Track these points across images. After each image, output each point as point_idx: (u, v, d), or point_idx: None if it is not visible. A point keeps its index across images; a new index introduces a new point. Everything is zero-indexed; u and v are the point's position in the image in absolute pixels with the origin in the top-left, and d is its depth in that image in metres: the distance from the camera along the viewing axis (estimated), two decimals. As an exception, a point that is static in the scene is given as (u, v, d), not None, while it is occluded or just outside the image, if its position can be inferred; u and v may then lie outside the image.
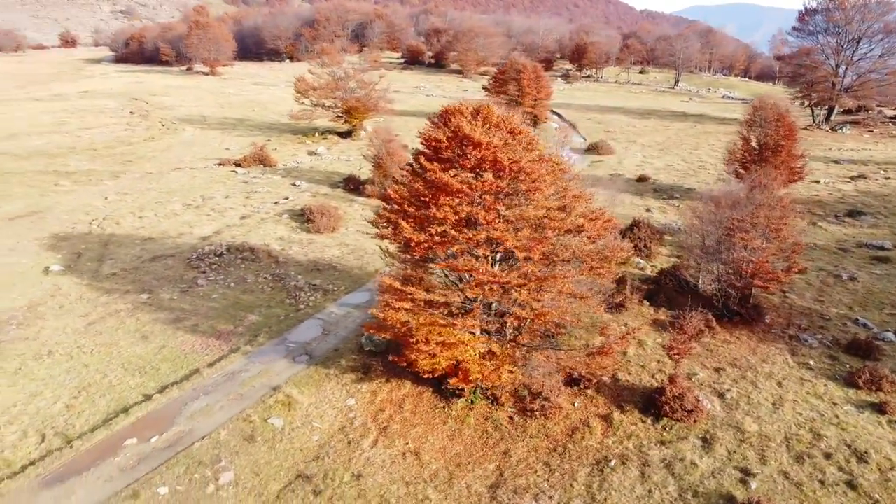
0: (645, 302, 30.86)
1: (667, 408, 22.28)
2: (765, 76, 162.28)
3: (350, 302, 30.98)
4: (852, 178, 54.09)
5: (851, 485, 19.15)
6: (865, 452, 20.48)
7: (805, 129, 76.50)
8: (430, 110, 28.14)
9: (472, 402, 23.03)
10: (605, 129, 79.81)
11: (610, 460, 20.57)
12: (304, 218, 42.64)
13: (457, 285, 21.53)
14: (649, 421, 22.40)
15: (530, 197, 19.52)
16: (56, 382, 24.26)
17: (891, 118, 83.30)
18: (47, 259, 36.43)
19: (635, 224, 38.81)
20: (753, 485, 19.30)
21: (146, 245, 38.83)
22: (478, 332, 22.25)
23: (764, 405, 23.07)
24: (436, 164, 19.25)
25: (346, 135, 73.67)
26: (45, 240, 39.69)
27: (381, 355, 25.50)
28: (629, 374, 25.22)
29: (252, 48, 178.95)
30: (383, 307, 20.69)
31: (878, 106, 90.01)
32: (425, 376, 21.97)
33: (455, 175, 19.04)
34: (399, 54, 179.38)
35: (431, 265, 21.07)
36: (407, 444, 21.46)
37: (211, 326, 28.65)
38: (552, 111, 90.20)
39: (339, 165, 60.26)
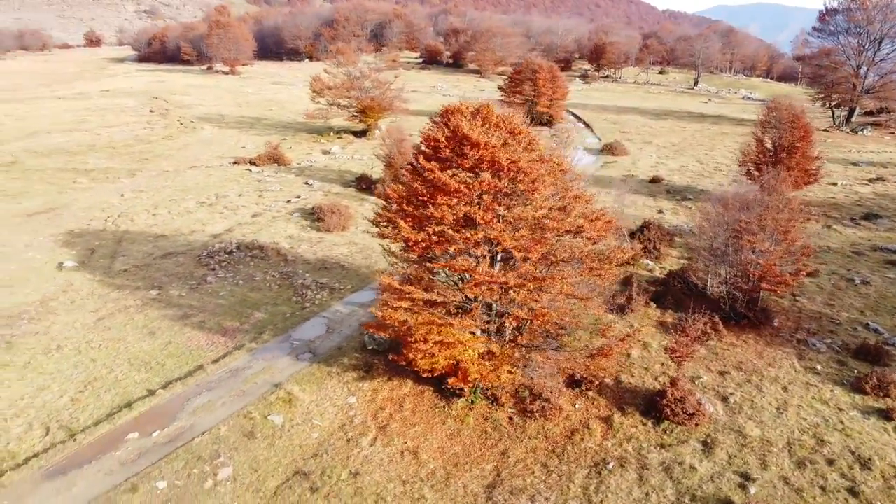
0: (652, 304, 30.64)
1: (668, 411, 22.11)
2: (787, 77, 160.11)
3: (356, 300, 31.12)
4: (870, 180, 53.23)
5: (853, 492, 18.87)
6: (869, 459, 20.17)
7: (825, 130, 75.60)
8: (445, 110, 28.03)
9: (472, 402, 23.03)
10: (621, 129, 79.31)
11: (608, 462, 20.46)
12: (315, 216, 42.90)
13: (457, 285, 21.53)
14: (650, 424, 22.25)
15: (529, 197, 19.47)
16: (63, 376, 24.66)
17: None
18: (62, 255, 37.01)
19: (645, 225, 38.58)
20: (753, 490, 19.09)
21: (158, 242, 39.31)
22: (478, 332, 22.25)
23: (767, 409, 22.80)
24: (435, 163, 19.27)
25: (360, 134, 73.97)
26: (61, 236, 40.33)
27: (384, 354, 25.58)
28: (632, 376, 25.05)
29: (272, 48, 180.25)
30: (382, 306, 20.77)
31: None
32: (424, 375, 21.99)
33: (454, 175, 19.05)
34: (417, 54, 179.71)
35: (429, 265, 21.02)
36: (406, 442, 21.52)
37: (217, 323, 28.94)
38: (568, 111, 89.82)
39: (353, 164, 60.53)
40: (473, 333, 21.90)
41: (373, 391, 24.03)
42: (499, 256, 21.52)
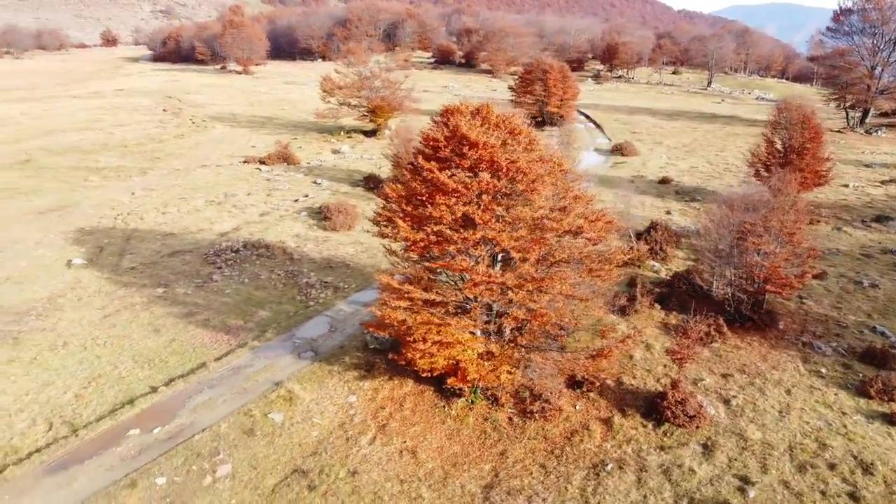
0: (656, 305, 30.48)
1: (668, 413, 21.99)
2: (803, 78, 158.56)
3: (359, 299, 31.20)
4: (883, 182, 52.65)
5: (854, 497, 18.66)
6: (871, 464, 19.95)
7: (838, 132, 74.88)
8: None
9: (472, 402, 23.02)
10: (632, 129, 78.95)
11: (607, 464, 20.38)
12: (322, 216, 43.07)
13: (456, 285, 21.53)
14: (650, 426, 22.14)
15: (528, 197, 19.43)
16: (68, 373, 24.91)
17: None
18: (71, 252, 37.39)
19: (652, 226, 38.38)
20: (752, 493, 18.94)
21: (166, 240, 39.62)
22: (478, 333, 22.24)
23: (770, 413, 22.61)
24: (434, 163, 19.28)
25: (370, 134, 74.15)
26: (71, 234, 40.74)
27: (386, 353, 25.60)
28: (634, 377, 24.94)
29: (285, 47, 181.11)
30: (381, 305, 20.83)
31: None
32: (424, 375, 22.00)
33: (452, 175, 19.06)
34: (430, 54, 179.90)
35: (428, 264, 21.04)
36: (405, 442, 21.54)
37: (221, 321, 29.12)
38: (579, 111, 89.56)
39: (362, 164, 60.69)
40: (473, 333, 21.90)
41: (373, 390, 24.08)
42: (499, 257, 21.51)
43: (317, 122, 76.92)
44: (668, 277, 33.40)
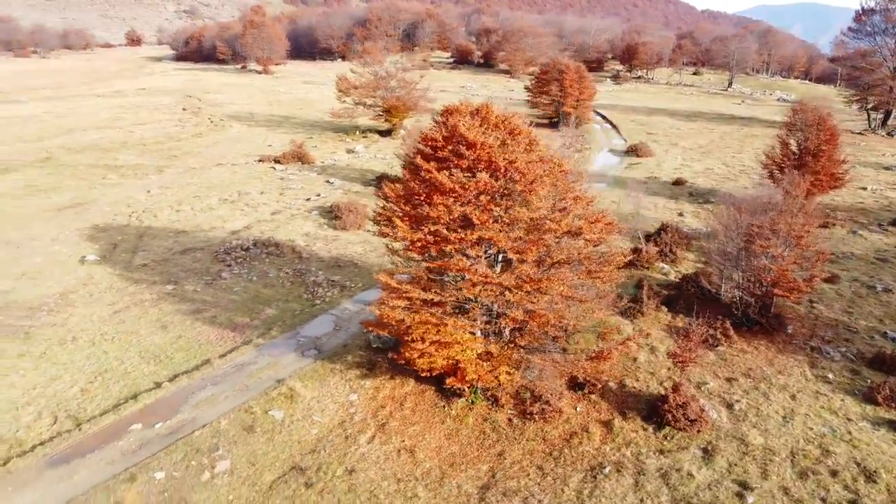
0: (663, 307, 30.22)
1: (669, 416, 21.80)
2: (826, 79, 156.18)
3: (365, 298, 31.30)
4: (903, 185, 51.79)
5: (855, 504, 18.41)
6: (875, 472, 19.62)
7: (859, 133, 73.71)
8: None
9: (472, 402, 23.01)
10: (648, 130, 78.33)
11: (605, 467, 20.26)
12: (333, 215, 43.30)
13: (455, 285, 21.53)
14: (651, 429, 21.97)
15: (527, 198, 19.38)
16: (76, 367, 25.31)
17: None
18: (85, 249, 37.96)
19: (663, 228, 38.07)
20: (750, 499, 18.72)
21: (179, 238, 40.08)
22: (478, 333, 22.24)
23: (773, 418, 22.33)
24: (432, 163, 19.31)
25: (385, 133, 74.36)
26: (86, 230, 41.35)
27: (388, 352, 25.66)
28: (637, 380, 24.76)
29: (305, 47, 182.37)
30: (381, 305, 20.90)
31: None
32: (423, 375, 22.05)
33: (450, 175, 19.06)
34: (449, 54, 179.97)
35: (426, 264, 21.07)
36: (403, 441, 21.59)
37: (228, 318, 29.40)
38: (596, 112, 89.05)
39: (375, 164, 60.90)
40: (473, 334, 21.90)
41: (374, 389, 24.17)
42: (500, 258, 21.49)
43: (333, 122, 77.32)
44: (676, 280, 33.11)
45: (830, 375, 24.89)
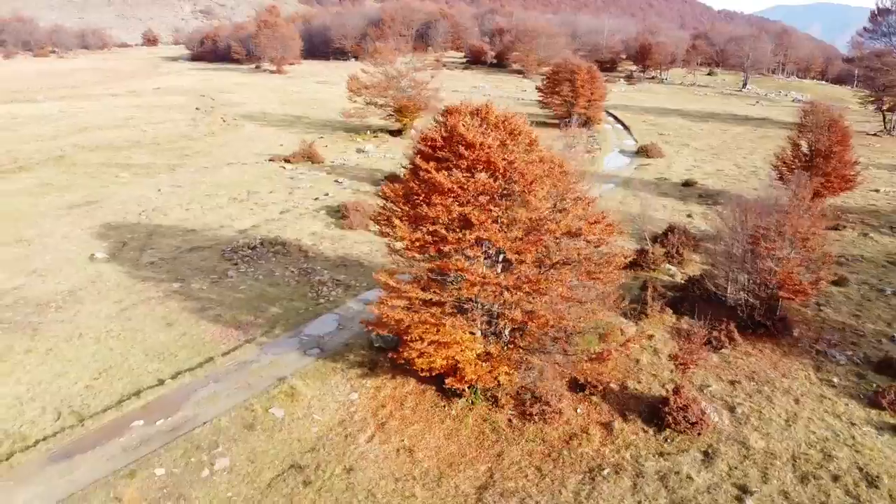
0: (668, 309, 30.04)
1: (670, 419, 21.69)
2: (843, 79, 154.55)
3: (369, 298, 31.22)
4: (917, 187, 51.14)
5: (856, 510, 18.22)
6: (877, 477, 19.42)
7: (874, 135, 72.85)
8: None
9: (472, 402, 23.00)
10: (659, 131, 77.91)
11: (603, 469, 20.19)
12: (340, 214, 43.45)
13: (455, 285, 21.54)
14: (651, 431, 21.87)
15: (525, 198, 19.34)
16: (81, 364, 25.55)
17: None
18: (95, 247, 38.31)
19: (670, 230, 37.86)
20: (749, 503, 18.59)
21: (187, 236, 40.37)
22: (478, 333, 22.23)
23: (776, 421, 22.16)
24: (432, 163, 19.34)
25: (396, 133, 74.51)
26: (97, 228, 41.73)
27: (389, 352, 25.69)
28: (639, 382, 24.64)
29: (319, 47, 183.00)
30: (380, 304, 20.95)
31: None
32: (423, 375, 22.08)
33: (449, 175, 19.07)
34: (462, 54, 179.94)
35: (424, 264, 21.11)
36: (402, 441, 21.62)
37: (233, 317, 29.57)
38: (608, 113, 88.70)
39: (385, 163, 61.02)
40: (473, 334, 21.90)
41: (375, 388, 24.22)
42: (500, 258, 21.47)
43: (345, 122, 77.52)
44: (683, 282, 32.94)
45: (835, 379, 24.66)
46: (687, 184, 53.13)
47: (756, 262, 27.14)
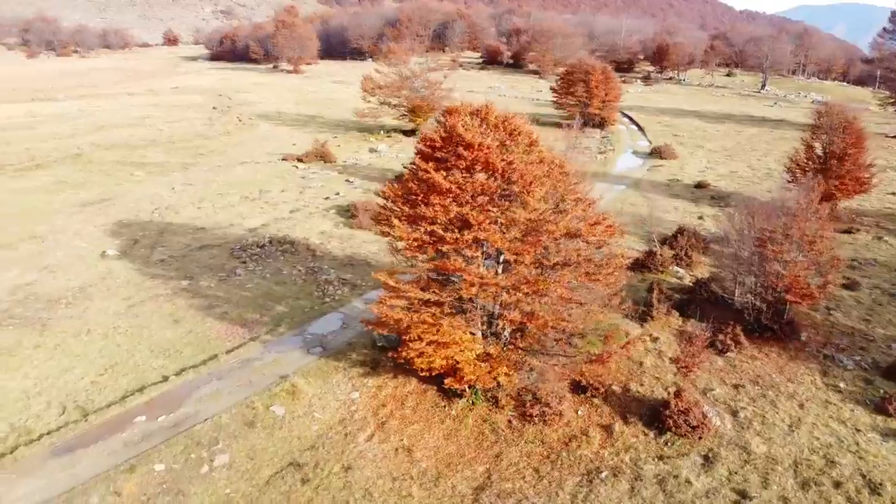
0: (674, 312, 29.79)
1: (670, 422, 21.53)
2: (865, 81, 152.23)
3: (374, 297, 31.26)
4: (935, 190, 50.26)
5: (857, 517, 17.97)
6: (880, 484, 19.14)
7: (893, 137, 71.70)
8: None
9: (472, 403, 22.98)
10: (674, 132, 77.29)
11: (601, 472, 20.08)
12: (350, 214, 43.60)
13: (455, 286, 21.54)
14: (652, 434, 21.71)
15: (524, 199, 19.29)
16: (88, 359, 25.88)
17: None
18: (106, 244, 38.77)
19: (680, 231, 37.58)
20: (748, 509, 18.42)
21: (197, 234, 40.73)
22: (479, 334, 22.21)
23: (779, 426, 21.91)
24: (431, 163, 19.35)
25: (410, 133, 74.59)
26: (109, 226, 42.24)
27: (392, 351, 25.76)
28: (641, 384, 24.46)
29: (337, 47, 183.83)
30: (379, 304, 21.00)
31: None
32: (423, 374, 22.10)
33: (448, 175, 19.08)
34: (479, 54, 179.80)
35: (422, 265, 21.13)
36: (402, 440, 21.64)
37: (239, 315, 29.78)
38: (622, 113, 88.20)
39: (396, 164, 61.01)
40: (473, 334, 21.88)
41: (377, 387, 24.27)
42: (501, 258, 21.43)
43: (359, 122, 77.76)
44: (690, 284, 32.66)
45: (842, 384, 24.32)
46: (699, 185, 52.66)
47: (763, 265, 26.85)
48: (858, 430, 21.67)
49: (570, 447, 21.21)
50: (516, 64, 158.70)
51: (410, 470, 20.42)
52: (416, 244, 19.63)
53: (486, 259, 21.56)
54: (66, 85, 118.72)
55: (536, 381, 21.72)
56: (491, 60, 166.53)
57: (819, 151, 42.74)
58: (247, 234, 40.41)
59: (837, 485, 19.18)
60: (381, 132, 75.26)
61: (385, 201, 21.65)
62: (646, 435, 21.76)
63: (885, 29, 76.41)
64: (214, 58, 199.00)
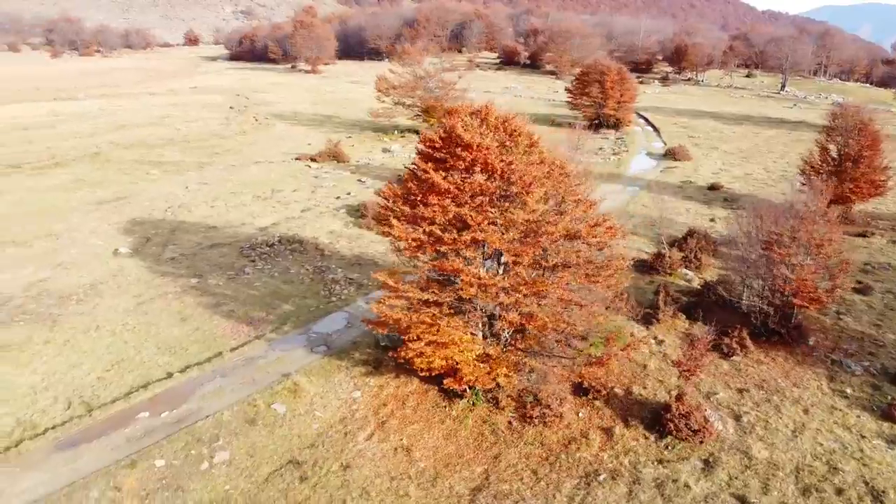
0: (681, 315, 29.56)
1: (671, 425, 21.39)
2: (888, 82, 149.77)
3: (378, 297, 31.49)
4: (954, 194, 49.23)
5: (858, 525, 17.72)
6: (883, 492, 18.87)
7: (914, 139, 70.41)
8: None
9: (473, 403, 22.98)
10: (690, 134, 76.67)
11: (600, 474, 20.00)
12: (359, 213, 43.76)
13: (455, 286, 21.54)
14: (652, 438, 21.59)
15: (523, 200, 19.26)
16: (95, 356, 26.25)
17: None
18: (119, 242, 39.27)
19: (690, 234, 37.27)
20: (747, 514, 18.24)
21: (209, 233, 41.12)
22: (478, 335, 22.21)
23: (782, 431, 21.67)
24: (431, 164, 19.39)
25: (423, 134, 74.65)
26: (123, 224, 42.79)
27: (394, 351, 25.82)
28: (644, 387, 24.32)
29: (355, 47, 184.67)
30: (379, 304, 21.08)
31: None
32: (423, 374, 22.14)
33: (447, 176, 19.10)
34: (496, 55, 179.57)
35: (420, 264, 21.17)
36: (401, 440, 21.70)
37: (245, 313, 30.02)
38: (638, 115, 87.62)
39: (409, 163, 61.15)
40: (473, 335, 21.88)
41: (378, 387, 24.36)
42: (501, 259, 21.41)
43: (374, 122, 78.06)
44: (699, 287, 32.38)
45: (849, 390, 23.99)
46: (713, 187, 52.16)
47: (770, 268, 26.54)
48: (863, 437, 21.37)
49: (570, 449, 21.14)
50: (533, 64, 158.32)
51: (409, 469, 20.47)
52: (415, 244, 19.68)
53: (486, 260, 21.56)
54: (89, 84, 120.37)
55: (537, 383, 21.65)
56: (508, 61, 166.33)
57: (834, 154, 42.15)
58: (257, 233, 40.73)
59: (839, 492, 18.93)
60: (396, 132, 75.49)
61: (385, 201, 21.70)
62: (646, 438, 21.63)
63: (906, 29, 75.26)
64: (234, 58, 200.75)
